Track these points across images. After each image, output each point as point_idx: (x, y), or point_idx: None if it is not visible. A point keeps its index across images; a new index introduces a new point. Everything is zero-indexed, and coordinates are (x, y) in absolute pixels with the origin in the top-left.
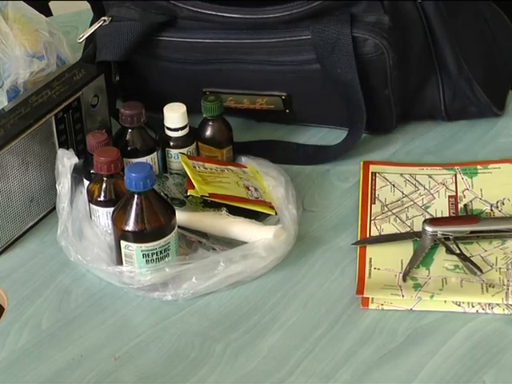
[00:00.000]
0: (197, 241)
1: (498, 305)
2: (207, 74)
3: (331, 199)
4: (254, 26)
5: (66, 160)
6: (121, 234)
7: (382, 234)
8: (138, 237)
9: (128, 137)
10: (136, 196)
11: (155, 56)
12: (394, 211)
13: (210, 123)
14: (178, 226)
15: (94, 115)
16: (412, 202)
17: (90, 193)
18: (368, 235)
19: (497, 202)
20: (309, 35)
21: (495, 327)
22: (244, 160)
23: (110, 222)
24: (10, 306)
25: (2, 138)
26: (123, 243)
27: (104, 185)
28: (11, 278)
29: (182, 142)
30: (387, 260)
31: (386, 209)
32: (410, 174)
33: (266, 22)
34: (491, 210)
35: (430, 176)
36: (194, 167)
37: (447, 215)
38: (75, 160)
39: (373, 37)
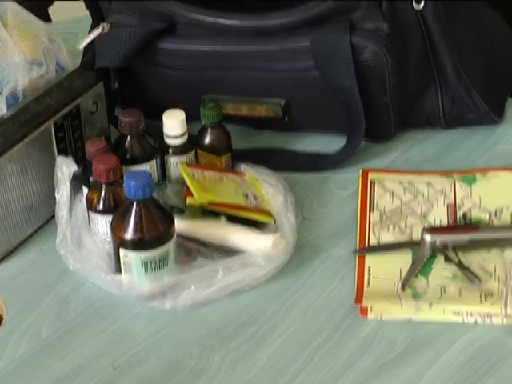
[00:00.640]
0: (196, 249)
1: (496, 315)
2: (206, 81)
3: (330, 207)
4: (254, 34)
5: (65, 167)
6: (120, 242)
7: (381, 242)
8: (137, 245)
9: (127, 144)
10: (135, 204)
11: (154, 63)
12: (392, 219)
13: (209, 130)
14: (177, 235)
15: (93, 122)
16: (411, 211)
17: (89, 200)
18: (366, 243)
19: (495, 210)
20: (308, 42)
21: (494, 337)
22: (243, 167)
23: (108, 230)
24: (8, 315)
25: (1, 146)
26: (122, 251)
27: (103, 192)
28: (10, 286)
29: (181, 149)
30: (386, 269)
31: (384, 217)
32: (408, 182)
33: (265, 30)
34: (490, 219)
35: (428, 184)
36: (193, 175)
37: (446, 223)
38: (74, 168)
39: (372, 44)
